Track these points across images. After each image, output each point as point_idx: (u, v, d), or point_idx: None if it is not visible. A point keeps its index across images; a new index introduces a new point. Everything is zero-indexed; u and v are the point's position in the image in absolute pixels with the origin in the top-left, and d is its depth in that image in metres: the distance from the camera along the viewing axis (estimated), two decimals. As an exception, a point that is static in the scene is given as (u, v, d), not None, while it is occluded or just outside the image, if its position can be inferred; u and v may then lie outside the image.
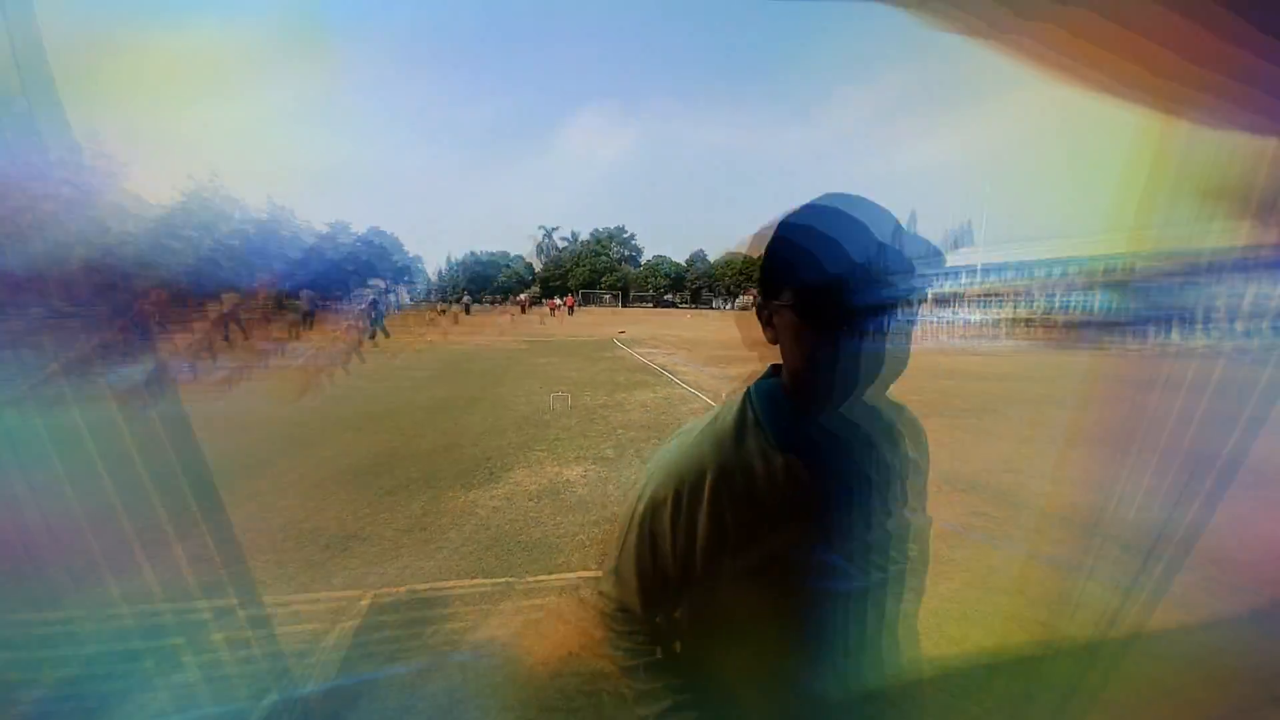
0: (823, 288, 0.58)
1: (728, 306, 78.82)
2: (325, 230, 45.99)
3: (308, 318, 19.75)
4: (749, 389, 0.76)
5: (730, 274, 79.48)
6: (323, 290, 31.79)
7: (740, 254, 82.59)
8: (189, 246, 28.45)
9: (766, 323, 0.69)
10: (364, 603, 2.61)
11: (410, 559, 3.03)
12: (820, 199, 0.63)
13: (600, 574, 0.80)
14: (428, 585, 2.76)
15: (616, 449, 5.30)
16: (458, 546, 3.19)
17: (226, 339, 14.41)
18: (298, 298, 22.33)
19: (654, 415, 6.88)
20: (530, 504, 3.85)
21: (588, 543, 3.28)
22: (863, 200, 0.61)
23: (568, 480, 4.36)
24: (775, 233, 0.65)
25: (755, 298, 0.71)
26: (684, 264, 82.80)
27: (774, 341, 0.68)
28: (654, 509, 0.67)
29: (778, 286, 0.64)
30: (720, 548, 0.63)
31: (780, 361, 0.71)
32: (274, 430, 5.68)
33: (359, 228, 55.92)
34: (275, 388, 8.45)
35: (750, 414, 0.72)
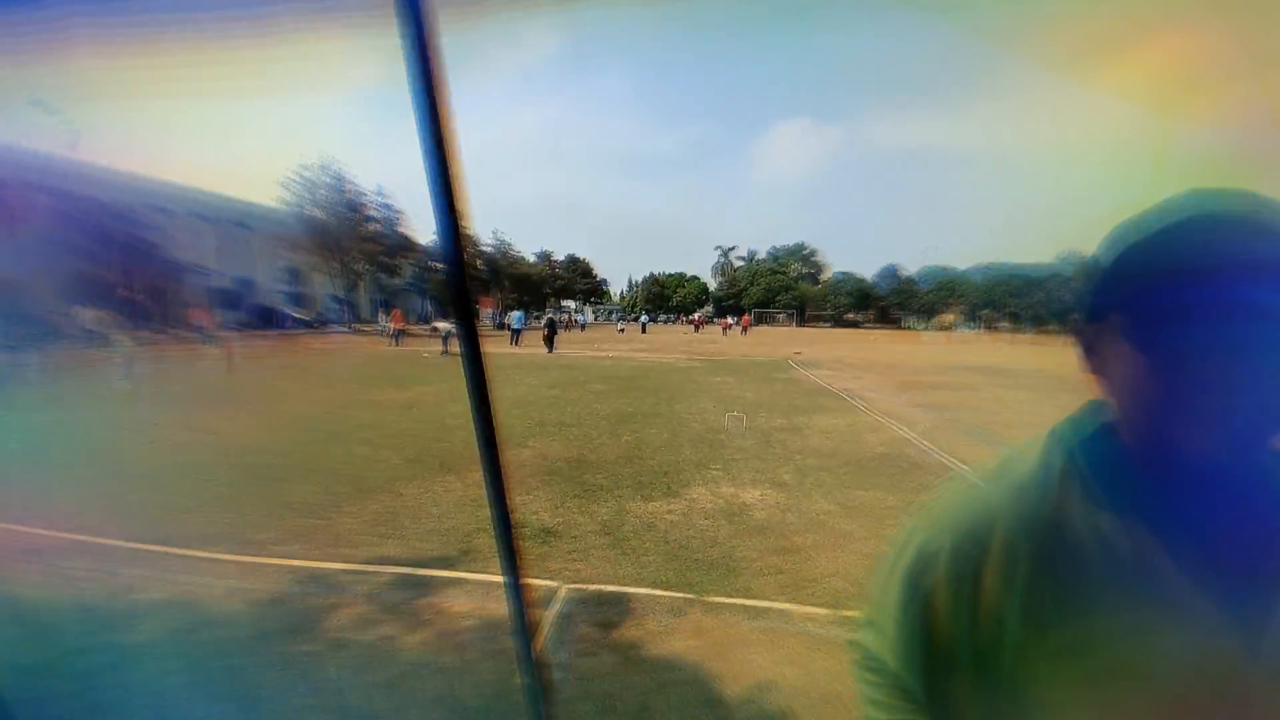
0: (1186, 307, 0.46)
1: (924, 326, 70.41)
2: (533, 259, 52.80)
3: (516, 335, 22.85)
4: (1058, 432, 0.61)
5: (930, 290, 71.09)
6: (528, 308, 37.03)
7: (941, 266, 72.33)
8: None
9: (1089, 350, 0.57)
10: (560, 593, 2.87)
11: (599, 562, 3.25)
12: (1180, 196, 0.50)
13: (857, 617, 0.74)
14: (616, 588, 2.93)
15: (796, 475, 5.05)
16: (640, 555, 3.34)
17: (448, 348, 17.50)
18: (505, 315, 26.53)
19: (837, 443, 6.41)
20: (707, 522, 3.86)
21: (766, 570, 3.17)
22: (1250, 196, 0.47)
23: (745, 503, 4.28)
24: (1115, 239, 0.53)
25: (1074, 320, 0.58)
26: (870, 280, 76.47)
27: (1098, 373, 0.56)
28: (924, 563, 0.59)
29: (1112, 306, 0.53)
30: (1022, 618, 0.53)
31: (1102, 397, 0.57)
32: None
33: (559, 255, 63.07)
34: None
35: (1063, 463, 0.58)
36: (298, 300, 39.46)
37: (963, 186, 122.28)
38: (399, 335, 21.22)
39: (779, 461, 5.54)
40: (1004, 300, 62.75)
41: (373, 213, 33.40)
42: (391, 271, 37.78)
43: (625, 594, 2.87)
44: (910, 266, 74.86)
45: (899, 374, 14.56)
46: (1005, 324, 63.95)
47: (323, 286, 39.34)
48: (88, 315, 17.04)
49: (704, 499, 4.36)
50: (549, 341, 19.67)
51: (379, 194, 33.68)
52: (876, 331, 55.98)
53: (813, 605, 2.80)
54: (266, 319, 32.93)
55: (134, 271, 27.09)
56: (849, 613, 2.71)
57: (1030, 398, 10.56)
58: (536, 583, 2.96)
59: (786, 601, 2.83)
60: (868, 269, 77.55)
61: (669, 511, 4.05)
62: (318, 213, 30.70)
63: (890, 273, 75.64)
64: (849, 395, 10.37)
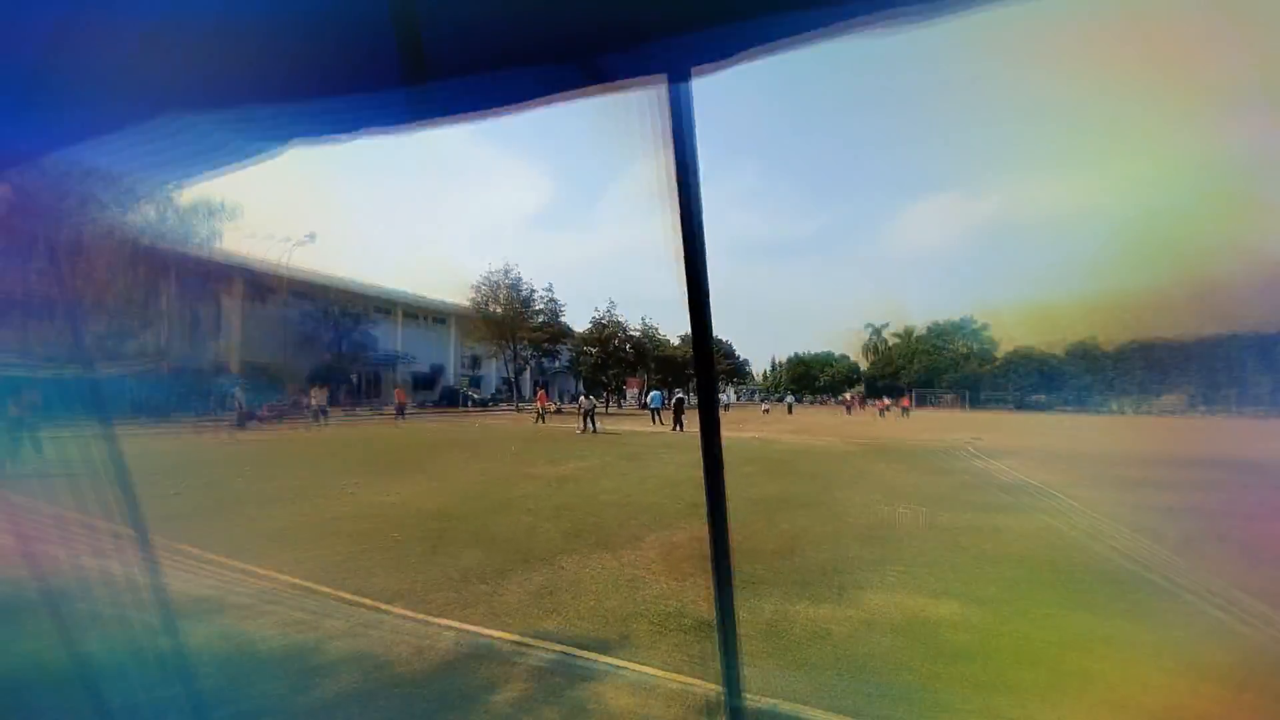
0: None
1: (1132, 410, 57.38)
2: (677, 341, 54.94)
3: (656, 413, 23.55)
4: None
5: (1139, 366, 58.63)
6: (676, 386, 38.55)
7: (1154, 337, 60.15)
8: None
9: None
10: (717, 699, 2.59)
11: (768, 669, 2.92)
12: None
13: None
14: (792, 707, 2.58)
15: (1003, 589, 4.19)
16: (815, 670, 2.93)
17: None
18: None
19: (1046, 550, 5.26)
20: (892, 640, 3.30)
21: (976, 712, 2.56)
22: None
23: (937, 618, 3.61)
24: None
25: None
26: (1059, 354, 65.59)
27: None
28: None
29: None
30: None
31: None
32: (639, 507, 6.66)
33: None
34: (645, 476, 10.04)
35: None
36: (477, 383, 45.44)
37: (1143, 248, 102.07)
38: (542, 414, 22.87)
39: (973, 570, 4.66)
40: (1234, 374, 49.61)
41: (540, 306, 37.91)
42: (552, 356, 42.00)
43: (804, 714, 2.50)
44: (1104, 337, 63.10)
45: (1101, 466, 11.83)
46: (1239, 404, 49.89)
47: (498, 370, 45.04)
48: (313, 395, 21.22)
49: (883, 608, 3.77)
50: (676, 418, 19.77)
51: (548, 289, 38.30)
52: (1071, 416, 46.83)
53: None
54: (451, 399, 38.15)
55: (353, 361, 33.65)
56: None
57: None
58: (700, 684, 2.73)
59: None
60: (1053, 344, 66.91)
61: (843, 620, 3.56)
62: (497, 309, 35.69)
63: (1082, 348, 64.30)
64: (1049, 490, 8.60)
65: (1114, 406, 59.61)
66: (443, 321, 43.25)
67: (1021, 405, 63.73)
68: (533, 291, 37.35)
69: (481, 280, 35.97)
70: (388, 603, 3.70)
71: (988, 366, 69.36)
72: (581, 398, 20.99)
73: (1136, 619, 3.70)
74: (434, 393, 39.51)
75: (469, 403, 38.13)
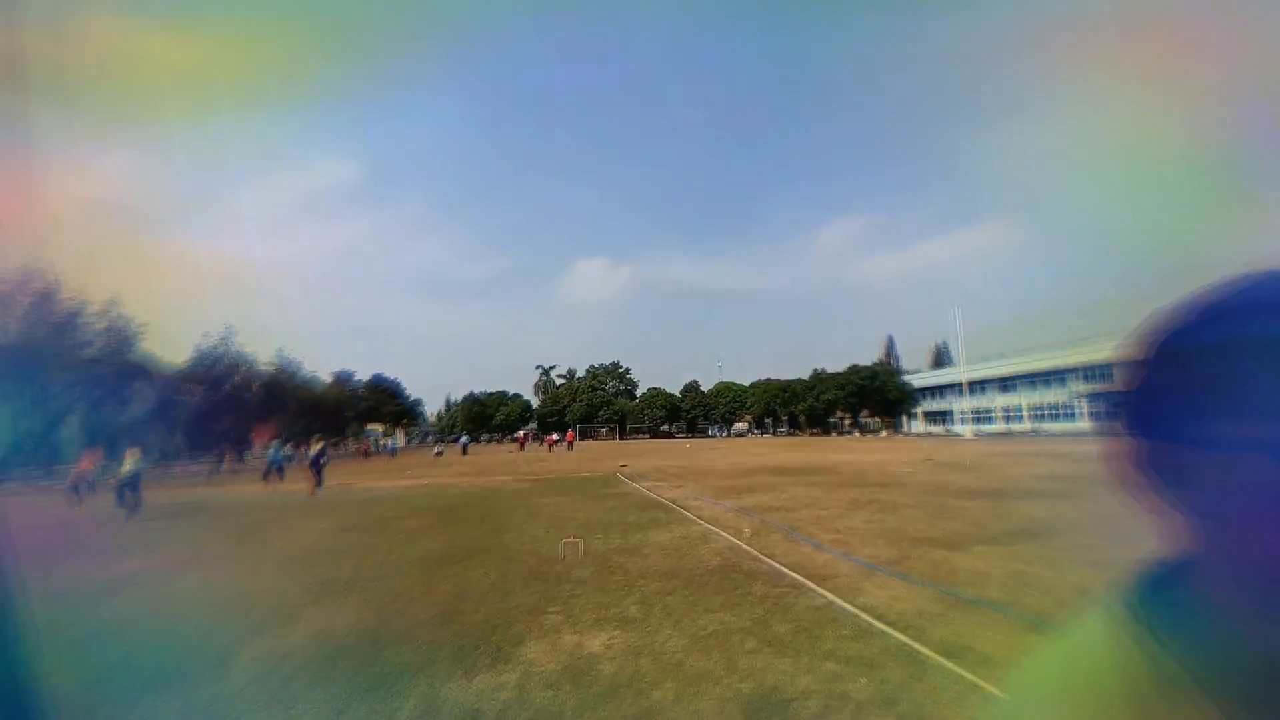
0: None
1: (723, 434, 78.38)
2: (329, 380, 46.68)
3: (279, 469, 19.12)
4: (1129, 593, 0.46)
5: (724, 402, 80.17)
6: (328, 434, 31.74)
7: (730, 383, 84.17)
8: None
9: (1161, 480, 0.42)
10: None
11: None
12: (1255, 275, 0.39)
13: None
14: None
15: (642, 607, 4.55)
16: (460, 767, 2.43)
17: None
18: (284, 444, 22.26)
19: (675, 560, 6.13)
20: (548, 695, 3.09)
21: (627, 750, 2.53)
22: None
23: (591, 654, 3.61)
24: (1185, 328, 0.42)
25: (1120, 436, 0.43)
26: (678, 395, 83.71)
27: (1174, 512, 0.41)
28: None
29: (1199, 418, 0.39)
30: None
31: (1173, 542, 0.43)
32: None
33: (363, 375, 57.06)
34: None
35: (1137, 631, 0.43)
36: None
37: (737, 316, 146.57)
38: (78, 490, 14.30)
39: (622, 591, 4.99)
40: (776, 408, 74.96)
41: (90, 335, 26.60)
42: (122, 400, 29.75)
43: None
44: (706, 383, 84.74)
45: (711, 480, 15.34)
46: (781, 428, 75.89)
47: (13, 426, 28.93)
48: None
49: (543, 658, 3.57)
50: (317, 475, 15.39)
51: (110, 306, 27.27)
52: (689, 441, 60.34)
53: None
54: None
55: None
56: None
57: (813, 493, 11.83)
58: None
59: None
60: (672, 385, 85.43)
61: (498, 687, 3.17)
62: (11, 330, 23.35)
63: (692, 388, 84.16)
64: (677, 505, 10.41)
65: (710, 431, 79.66)
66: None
67: (654, 434, 78.45)
68: (79, 308, 25.86)
69: None
70: None
71: (632, 404, 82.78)
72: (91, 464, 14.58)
73: (734, 609, 4.51)
74: None
75: None
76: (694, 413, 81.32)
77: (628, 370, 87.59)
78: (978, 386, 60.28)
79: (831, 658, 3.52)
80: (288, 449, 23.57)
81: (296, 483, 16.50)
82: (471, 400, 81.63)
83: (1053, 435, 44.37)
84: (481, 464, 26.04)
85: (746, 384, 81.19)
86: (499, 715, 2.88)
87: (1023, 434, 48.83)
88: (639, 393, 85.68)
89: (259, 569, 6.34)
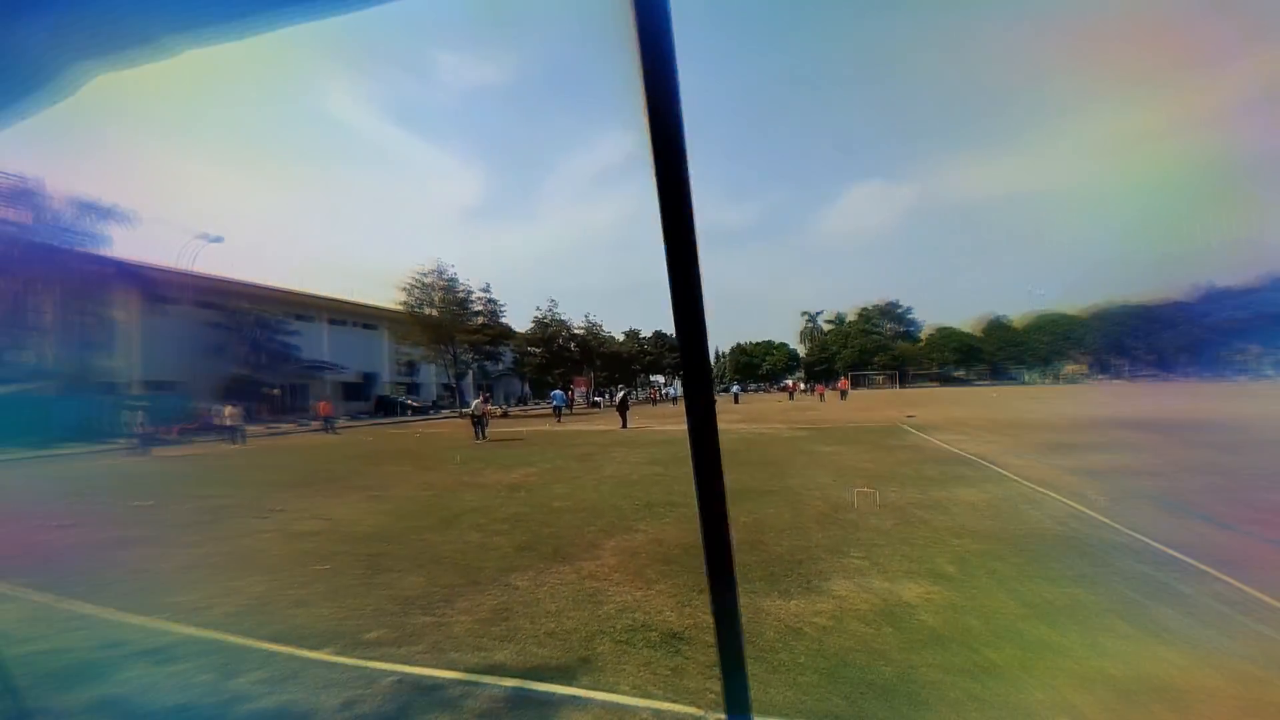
0: None
1: (1045, 379, 62.86)
2: (621, 338, 54.67)
3: (558, 410, 23.73)
4: None
5: (1044, 340, 64.08)
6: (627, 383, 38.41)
7: (1054, 312, 66.65)
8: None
9: None
10: (704, 725, 2.36)
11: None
12: None
13: None
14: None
15: (958, 565, 4.20)
16: (793, 673, 2.75)
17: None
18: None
19: (995, 521, 5.40)
20: (867, 629, 3.18)
21: (964, 699, 2.46)
22: None
23: (906, 602, 3.54)
24: None
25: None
26: (977, 334, 70.55)
27: None
28: None
29: None
30: None
31: None
32: (594, 511, 6.35)
33: (646, 332, 64.89)
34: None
35: None
36: (414, 390, 43.18)
37: (1052, 227, 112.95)
38: (481, 423, 17.48)
39: (930, 546, 4.68)
40: (1129, 343, 55.70)
41: (478, 307, 36.49)
42: (494, 358, 40.68)
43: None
44: (1014, 315, 68.72)
45: (1036, 434, 12.66)
46: (1141, 371, 56.36)
47: (437, 376, 42.92)
48: (227, 412, 19.39)
49: (853, 596, 3.67)
50: (622, 416, 19.74)
51: (485, 290, 36.89)
52: (994, 389, 50.49)
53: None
54: (389, 408, 36.07)
55: (273, 371, 31.13)
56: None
57: (1218, 456, 8.63)
58: (671, 707, 2.48)
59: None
60: (966, 322, 72.00)
61: (815, 613, 3.41)
62: (433, 311, 33.97)
63: (996, 324, 69.63)
64: (986, 461, 9.02)
65: (1025, 377, 64.92)
66: (373, 326, 40.74)
67: (945, 380, 68.11)
68: (470, 292, 35.86)
69: (413, 281, 34.12)
70: (314, 649, 3.21)
71: (914, 346, 73.49)
72: (476, 400, 18.24)
73: (1089, 584, 3.79)
74: (367, 402, 37.24)
75: (407, 411, 36.24)
76: (1000, 354, 67.65)
77: (907, 309, 77.81)
78: None
79: (1246, 658, 2.69)
80: (567, 395, 29.57)
81: (576, 422, 20.06)
82: (738, 350, 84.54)
83: None
84: (753, 411, 27.04)
85: (1077, 312, 63.25)
86: (820, 634, 3.11)
87: None
88: (922, 334, 75.48)
89: (599, 488, 8.03)
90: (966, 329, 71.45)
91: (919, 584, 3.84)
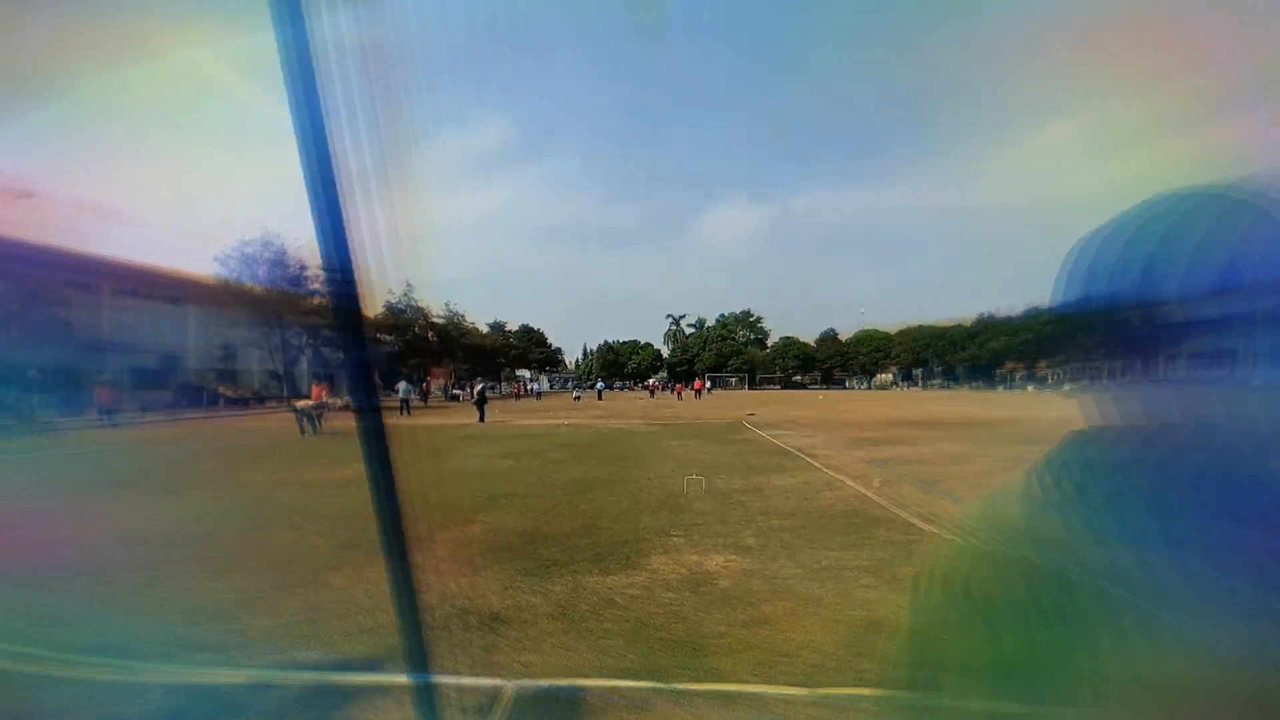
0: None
1: (863, 385, 73.62)
2: (486, 329, 52.45)
3: (405, 405, 22.52)
4: (1041, 465, 0.59)
5: (864, 351, 74.90)
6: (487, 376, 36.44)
7: (874, 329, 78.17)
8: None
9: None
10: (506, 694, 2.50)
11: (553, 650, 2.90)
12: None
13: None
14: (570, 681, 2.58)
15: (759, 538, 4.86)
16: (599, 638, 3.01)
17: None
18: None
19: (797, 502, 6.30)
20: (671, 595, 3.58)
21: (737, 646, 2.91)
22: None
23: (709, 571, 4.03)
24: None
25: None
26: (813, 344, 79.95)
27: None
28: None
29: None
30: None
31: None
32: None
33: (513, 325, 63.05)
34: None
35: (1055, 481, 0.56)
36: (232, 377, 37.15)
37: (886, 256, 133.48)
38: (312, 418, 15.52)
39: (741, 525, 5.33)
40: (925, 357, 67.99)
41: (316, 286, 32.42)
42: (336, 345, 36.54)
43: (581, 689, 2.53)
44: (845, 331, 79.40)
45: (846, 431, 14.84)
46: (934, 380, 68.89)
47: (261, 362, 37.30)
48: None
49: (666, 569, 4.07)
50: (480, 410, 19.35)
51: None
52: (821, 392, 57.84)
53: (787, 685, 2.55)
54: (194, 398, 30.62)
55: (42, 351, 24.92)
56: (825, 690, 2.48)
57: (964, 448, 10.91)
58: (477, 683, 2.59)
59: (760, 683, 2.57)
60: (808, 333, 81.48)
61: (629, 585, 3.74)
62: (257, 287, 29.57)
63: (829, 336, 79.60)
64: (803, 453, 10.40)
65: (848, 383, 75.28)
66: (177, 301, 34.23)
67: (787, 384, 76.35)
68: (305, 268, 31.72)
69: (231, 252, 29.40)
70: (85, 667, 2.75)
71: (763, 353, 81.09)
72: (315, 388, 17.39)
73: (855, 548, 4.63)
74: (169, 392, 31.23)
75: (220, 401, 31.15)
76: (830, 362, 77.45)
77: (759, 319, 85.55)
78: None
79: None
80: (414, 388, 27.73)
81: (429, 416, 19.30)
82: (606, 349, 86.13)
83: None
84: (615, 408, 27.84)
85: (892, 331, 74.83)
86: (629, 604, 3.43)
87: None
88: (770, 342, 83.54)
89: (442, 481, 7.76)
90: (806, 340, 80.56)
91: (723, 556, 4.38)
